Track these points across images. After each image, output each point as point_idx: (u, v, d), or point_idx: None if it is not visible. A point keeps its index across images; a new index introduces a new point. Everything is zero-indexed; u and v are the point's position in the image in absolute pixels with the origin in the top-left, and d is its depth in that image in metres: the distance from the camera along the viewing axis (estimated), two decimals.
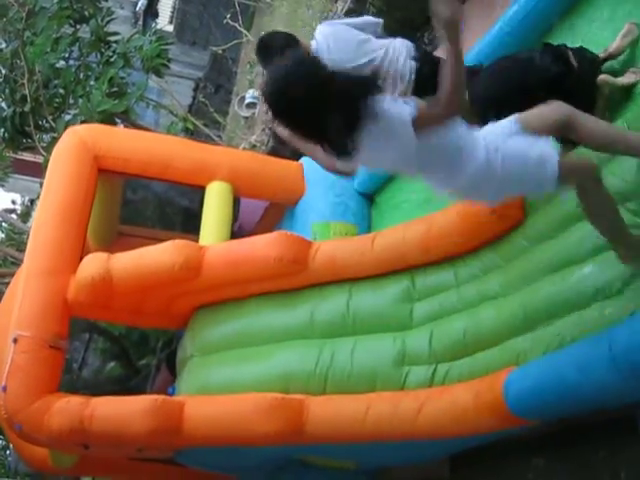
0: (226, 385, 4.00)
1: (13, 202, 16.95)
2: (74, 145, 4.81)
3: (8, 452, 11.16)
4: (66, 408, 3.97)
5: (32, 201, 16.32)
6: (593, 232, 2.81)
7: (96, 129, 5.14)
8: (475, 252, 3.51)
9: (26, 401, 4.07)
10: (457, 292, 3.52)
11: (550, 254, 3.11)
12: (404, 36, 4.01)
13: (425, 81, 3.65)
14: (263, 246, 4.04)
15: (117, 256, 4.30)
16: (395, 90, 3.72)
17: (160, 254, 4.18)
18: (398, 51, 3.82)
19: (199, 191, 5.27)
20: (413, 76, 3.79)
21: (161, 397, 3.94)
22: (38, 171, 7.87)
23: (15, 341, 4.16)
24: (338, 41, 3.80)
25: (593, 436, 3.15)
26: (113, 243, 5.46)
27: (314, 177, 5.12)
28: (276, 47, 3.70)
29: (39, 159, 7.84)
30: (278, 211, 5.47)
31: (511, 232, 3.35)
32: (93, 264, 4.27)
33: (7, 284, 6.77)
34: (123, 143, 4.99)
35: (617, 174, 2.85)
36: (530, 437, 3.43)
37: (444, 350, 3.43)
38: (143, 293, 4.36)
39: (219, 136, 10.27)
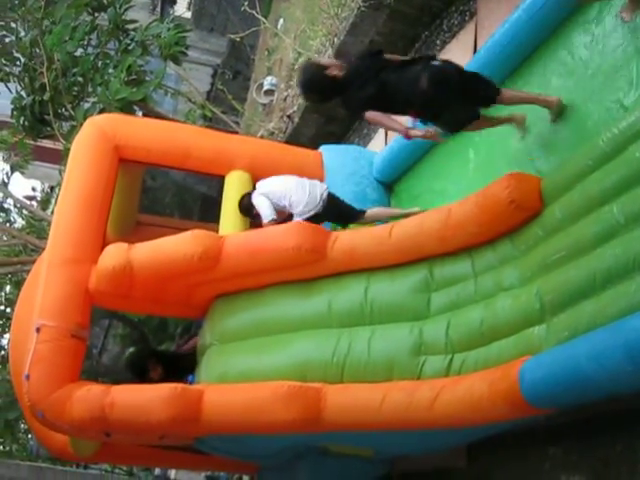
0: (245, 373, 4.03)
1: (33, 189, 17.04)
2: (94, 135, 4.84)
3: (30, 436, 11.31)
4: (87, 396, 4.02)
5: (52, 188, 16.41)
6: (609, 221, 2.82)
7: (116, 119, 5.16)
8: (492, 242, 3.49)
9: (48, 389, 4.12)
10: (474, 282, 3.52)
11: (565, 244, 3.09)
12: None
13: None
14: (282, 235, 4.05)
15: (137, 246, 4.33)
16: None
17: (180, 244, 4.20)
18: None
19: (217, 178, 5.30)
20: None
21: (180, 385, 3.96)
22: (58, 158, 7.94)
23: (38, 330, 4.21)
24: None
25: (611, 427, 3.14)
26: (132, 233, 5.51)
27: (333, 166, 5.12)
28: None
29: (59, 146, 7.88)
30: None
31: (528, 222, 3.33)
32: (114, 254, 4.30)
33: (28, 271, 6.84)
34: (143, 133, 5.01)
35: None
36: (547, 428, 3.43)
37: (460, 340, 3.43)
38: (163, 283, 4.39)
39: (237, 123, 10.28)
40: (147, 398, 3.94)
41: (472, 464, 4.02)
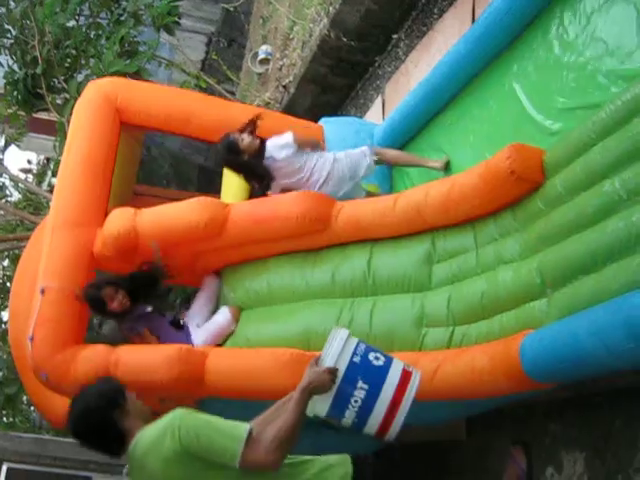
0: (249, 341, 4.07)
1: (29, 162, 16.90)
2: (97, 98, 4.77)
3: (33, 408, 11.36)
4: (92, 355, 4.02)
5: (48, 160, 16.29)
6: (610, 196, 2.80)
7: (118, 82, 5.09)
8: (494, 215, 3.48)
9: (52, 351, 4.11)
10: (476, 255, 3.52)
11: (567, 217, 3.07)
12: None
13: None
14: (287, 204, 4.06)
15: (143, 211, 4.32)
16: None
17: (186, 211, 4.20)
18: None
19: (214, 148, 5.25)
20: None
21: (185, 346, 3.98)
22: (53, 130, 7.85)
23: (42, 292, 4.19)
24: None
25: (610, 403, 3.15)
26: (130, 203, 5.47)
27: (334, 138, 5.07)
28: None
29: (54, 117, 7.80)
30: None
31: (529, 195, 3.31)
32: (120, 218, 4.29)
33: (24, 247, 6.81)
34: (145, 97, 4.93)
35: None
36: (548, 402, 3.44)
37: (462, 312, 3.44)
38: (168, 249, 4.36)
39: (232, 93, 10.17)
40: (152, 357, 3.95)
41: (471, 438, 4.05)
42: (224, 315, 4.32)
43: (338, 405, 2.69)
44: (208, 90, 9.94)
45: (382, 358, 2.79)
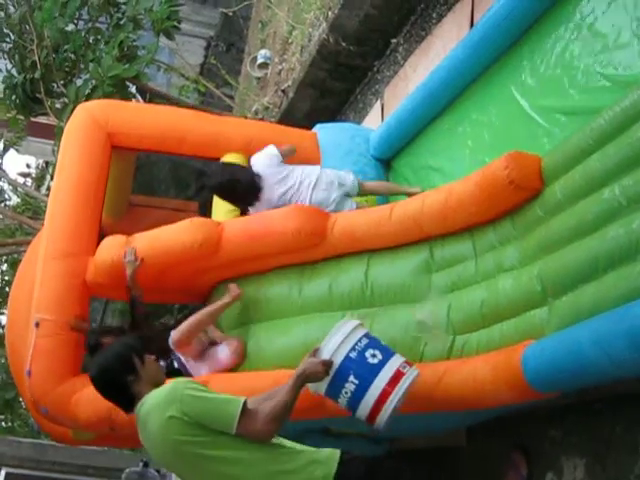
0: (247, 358, 4.05)
1: (28, 166, 16.89)
2: (86, 123, 4.74)
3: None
4: (92, 397, 3.86)
5: (47, 163, 16.28)
6: (610, 203, 2.78)
7: (108, 105, 5.06)
8: (493, 222, 3.45)
9: (51, 385, 4.12)
10: (475, 263, 3.48)
11: (567, 224, 3.04)
12: None
13: None
14: (281, 219, 4.01)
15: (135, 237, 4.29)
16: None
17: (179, 233, 4.17)
18: None
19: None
20: None
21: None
22: (52, 134, 7.86)
23: (37, 325, 4.19)
24: None
25: (611, 410, 3.13)
26: (125, 214, 5.46)
27: (329, 146, 5.06)
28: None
29: (53, 121, 7.80)
30: None
31: (528, 203, 3.29)
32: (112, 246, 4.27)
33: (23, 252, 6.81)
34: (136, 118, 4.91)
35: None
36: (548, 408, 3.43)
37: (462, 321, 3.40)
38: (163, 272, 4.35)
39: (231, 97, 10.18)
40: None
41: (472, 444, 4.04)
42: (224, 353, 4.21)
43: (333, 391, 3.04)
44: (207, 94, 9.95)
45: (379, 356, 3.04)
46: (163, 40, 7.70)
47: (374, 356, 3.04)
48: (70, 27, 7.44)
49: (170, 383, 2.73)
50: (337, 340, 3.01)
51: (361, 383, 2.99)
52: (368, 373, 3.00)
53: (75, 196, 4.52)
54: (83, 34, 7.37)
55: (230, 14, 10.51)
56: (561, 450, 3.39)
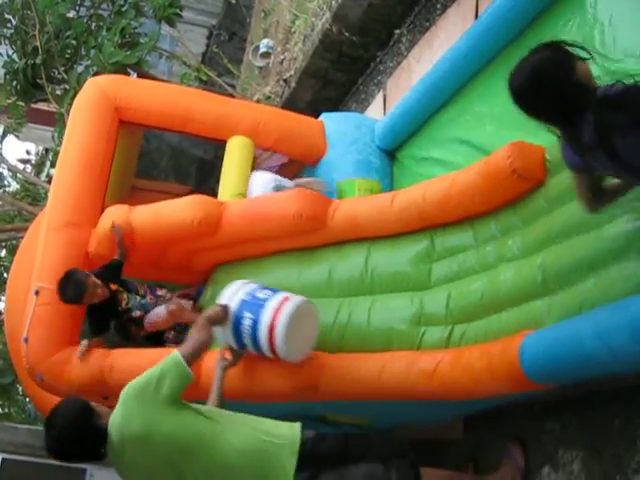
0: None
1: (28, 152, 16.86)
2: (95, 96, 4.74)
3: (28, 399, 11.36)
4: (87, 359, 4.04)
5: (47, 150, 16.25)
6: None
7: (117, 80, 5.05)
8: (495, 212, 3.44)
9: (47, 352, 4.13)
10: (476, 253, 3.47)
11: (569, 216, 3.04)
12: None
13: None
14: (283, 203, 4.01)
15: (137, 209, 4.30)
16: None
17: (180, 209, 4.18)
18: None
19: (213, 142, 5.22)
20: None
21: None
22: (52, 120, 7.85)
23: (37, 293, 4.20)
24: None
25: (609, 402, 3.13)
26: (127, 197, 5.44)
27: (334, 135, 5.05)
28: None
29: (53, 108, 7.79)
30: (293, 170, 5.39)
31: (531, 193, 3.28)
32: (114, 215, 4.28)
33: (22, 238, 6.80)
34: (144, 95, 4.90)
35: None
36: (546, 400, 3.42)
37: (461, 311, 3.40)
38: (162, 247, 4.37)
39: (233, 86, 10.15)
40: (147, 361, 3.88)
41: (469, 435, 4.03)
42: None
43: (237, 336, 3.45)
44: (208, 83, 9.92)
45: (268, 292, 3.51)
46: (165, 28, 7.70)
47: (264, 293, 3.49)
48: (72, 13, 7.43)
49: (120, 401, 2.81)
50: (231, 290, 3.51)
51: (255, 316, 3.39)
52: (258, 306, 3.42)
53: (81, 167, 4.51)
54: (85, 20, 7.37)
55: (233, 2, 10.49)
56: (559, 443, 3.38)
